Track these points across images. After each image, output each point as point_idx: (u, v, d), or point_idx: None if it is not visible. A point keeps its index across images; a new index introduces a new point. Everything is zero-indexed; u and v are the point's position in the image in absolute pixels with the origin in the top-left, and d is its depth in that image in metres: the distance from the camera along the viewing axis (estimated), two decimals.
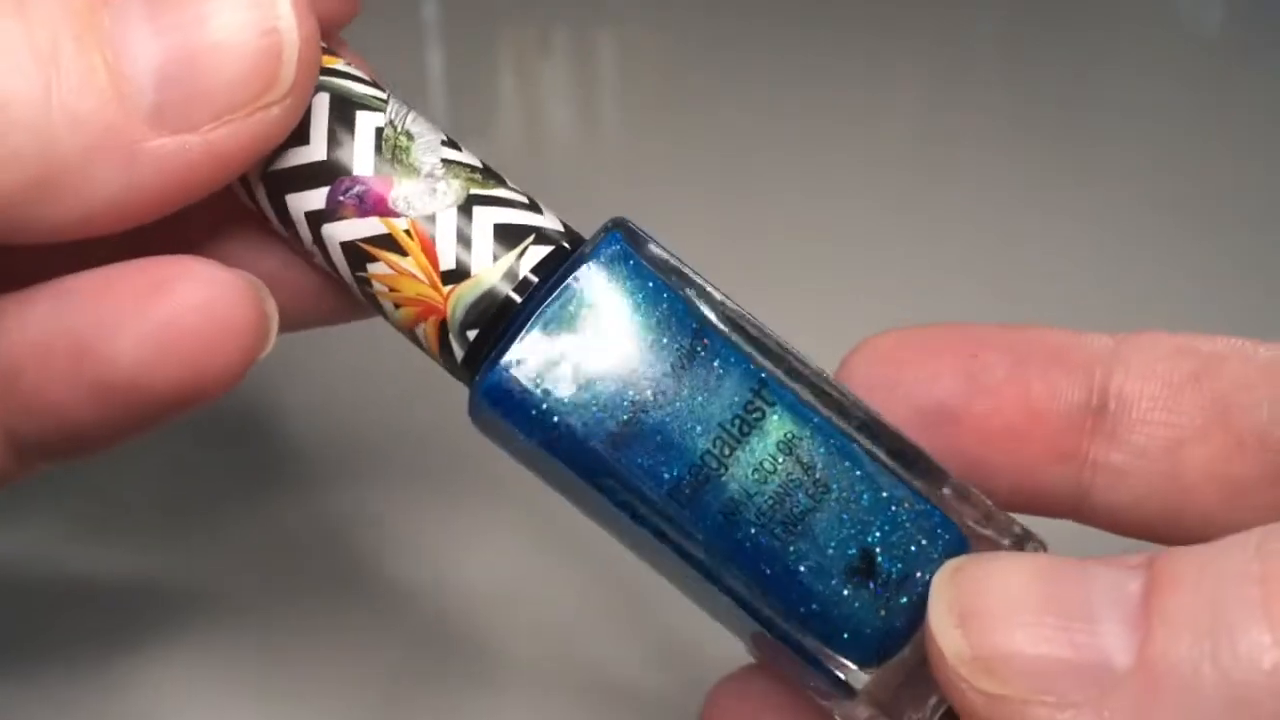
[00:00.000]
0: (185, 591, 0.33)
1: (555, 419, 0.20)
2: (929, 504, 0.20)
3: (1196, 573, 0.16)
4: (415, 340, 0.21)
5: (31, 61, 0.18)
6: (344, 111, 0.20)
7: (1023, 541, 0.20)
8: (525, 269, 0.20)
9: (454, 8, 0.59)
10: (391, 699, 0.31)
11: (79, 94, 0.18)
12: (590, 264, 0.20)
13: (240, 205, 0.21)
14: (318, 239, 0.21)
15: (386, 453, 0.36)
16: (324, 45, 0.20)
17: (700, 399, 0.20)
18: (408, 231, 0.20)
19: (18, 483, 0.21)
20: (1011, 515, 0.20)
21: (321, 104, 0.20)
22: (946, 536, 0.20)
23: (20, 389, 0.19)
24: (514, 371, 0.20)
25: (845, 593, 0.20)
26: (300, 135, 0.20)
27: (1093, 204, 0.47)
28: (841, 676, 0.20)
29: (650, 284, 0.20)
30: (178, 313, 0.19)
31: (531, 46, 0.59)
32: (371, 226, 0.20)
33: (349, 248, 0.20)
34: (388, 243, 0.20)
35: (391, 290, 0.20)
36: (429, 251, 0.20)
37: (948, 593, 0.18)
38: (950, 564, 0.18)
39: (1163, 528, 0.21)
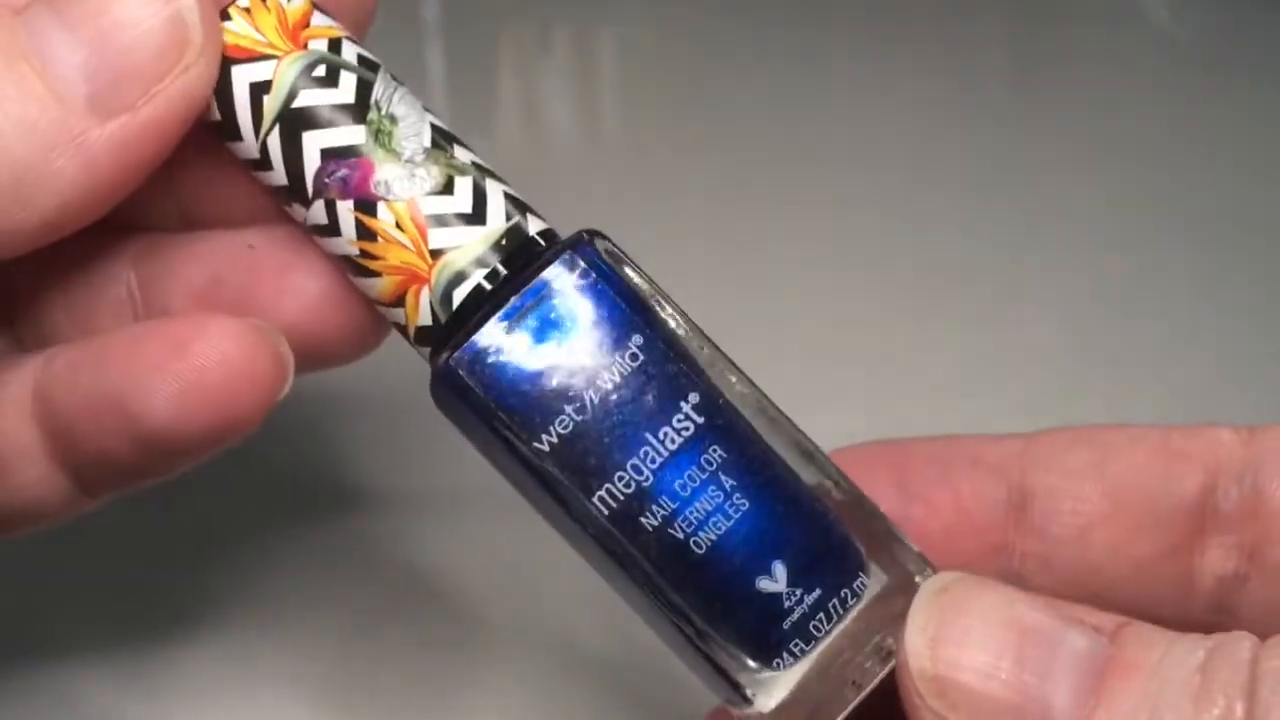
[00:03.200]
0: (198, 597, 0.33)
1: (497, 415, 0.20)
2: (845, 529, 0.21)
3: (1150, 667, 0.18)
4: (390, 317, 0.21)
5: None
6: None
7: (923, 571, 0.21)
8: (495, 260, 0.21)
9: (454, 7, 0.59)
10: (401, 698, 0.31)
11: (21, 102, 0.19)
12: (558, 266, 0.20)
13: (249, 211, 0.23)
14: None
15: (395, 460, 0.36)
16: (326, 19, 0.21)
17: (635, 412, 0.20)
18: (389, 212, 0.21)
19: (89, 510, 0.24)
20: (920, 552, 0.21)
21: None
22: (856, 559, 0.21)
23: (76, 440, 0.22)
24: (466, 361, 0.20)
25: (756, 604, 0.20)
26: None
27: (1082, 206, 0.47)
28: (741, 682, 0.21)
29: (609, 297, 0.21)
30: (200, 370, 0.21)
31: (531, 46, 0.59)
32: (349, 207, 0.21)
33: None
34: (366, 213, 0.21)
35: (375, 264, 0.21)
36: (420, 228, 0.21)
37: (927, 610, 0.19)
38: (937, 581, 0.20)
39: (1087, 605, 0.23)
